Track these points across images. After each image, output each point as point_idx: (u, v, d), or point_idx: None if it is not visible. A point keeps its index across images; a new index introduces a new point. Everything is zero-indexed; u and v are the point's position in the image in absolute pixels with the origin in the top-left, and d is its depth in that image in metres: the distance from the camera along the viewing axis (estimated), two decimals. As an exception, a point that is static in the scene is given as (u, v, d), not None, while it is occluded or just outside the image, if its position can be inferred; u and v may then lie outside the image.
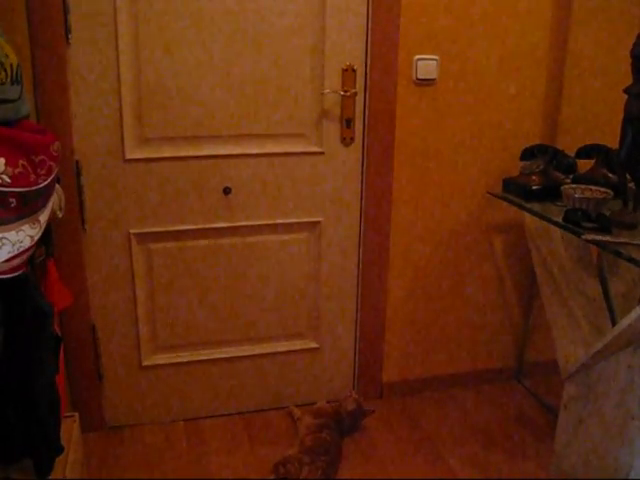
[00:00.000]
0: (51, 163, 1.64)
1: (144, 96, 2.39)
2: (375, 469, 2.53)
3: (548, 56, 2.69)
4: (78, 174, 2.40)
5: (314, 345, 2.88)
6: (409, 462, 2.58)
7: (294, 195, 2.64)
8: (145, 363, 2.71)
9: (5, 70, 1.54)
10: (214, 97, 2.45)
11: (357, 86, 2.55)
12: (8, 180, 1.48)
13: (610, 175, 2.40)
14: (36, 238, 1.61)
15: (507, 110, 2.72)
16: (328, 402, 2.82)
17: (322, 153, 2.61)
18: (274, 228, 2.66)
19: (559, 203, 2.35)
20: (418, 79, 2.59)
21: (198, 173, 2.52)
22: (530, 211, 2.41)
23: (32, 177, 1.56)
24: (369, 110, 2.58)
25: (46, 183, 1.63)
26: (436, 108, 2.65)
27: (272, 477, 2.38)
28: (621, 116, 2.06)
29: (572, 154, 2.53)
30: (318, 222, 2.70)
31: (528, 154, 2.63)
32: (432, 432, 2.76)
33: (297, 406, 2.86)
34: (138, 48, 2.34)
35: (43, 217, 1.65)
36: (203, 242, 2.61)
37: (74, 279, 2.47)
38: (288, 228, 2.68)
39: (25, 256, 1.59)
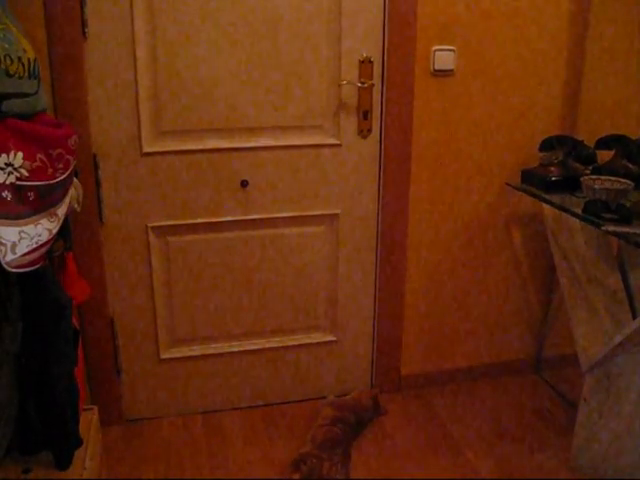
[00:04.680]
0: (69, 157, 1.65)
1: (161, 89, 2.39)
2: (393, 462, 2.53)
3: (567, 46, 2.66)
4: (96, 168, 2.40)
5: (332, 338, 2.88)
6: (427, 455, 2.57)
7: (311, 188, 2.63)
8: (163, 356, 2.72)
9: (23, 64, 1.55)
10: (231, 90, 2.44)
11: (374, 77, 2.54)
12: (26, 174, 1.48)
13: (630, 166, 2.37)
14: (54, 232, 1.62)
15: (526, 101, 2.69)
16: (357, 393, 2.81)
17: (339, 145, 2.60)
18: (291, 221, 2.66)
19: (579, 194, 2.33)
20: (436, 70, 2.57)
21: (215, 166, 2.52)
22: (549, 202, 2.39)
23: (50, 171, 1.57)
24: (386, 102, 2.56)
25: (64, 177, 1.63)
26: (454, 99, 2.63)
27: (297, 475, 2.37)
28: (642, 106, 2.03)
29: (592, 145, 2.50)
30: (336, 214, 2.69)
31: (547, 145, 2.60)
32: (450, 425, 2.75)
33: (317, 399, 2.86)
34: (155, 41, 2.34)
35: (61, 211, 1.66)
36: (221, 235, 2.61)
37: (92, 272, 2.48)
38: (306, 221, 2.68)
39: (43, 250, 1.59)
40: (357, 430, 2.65)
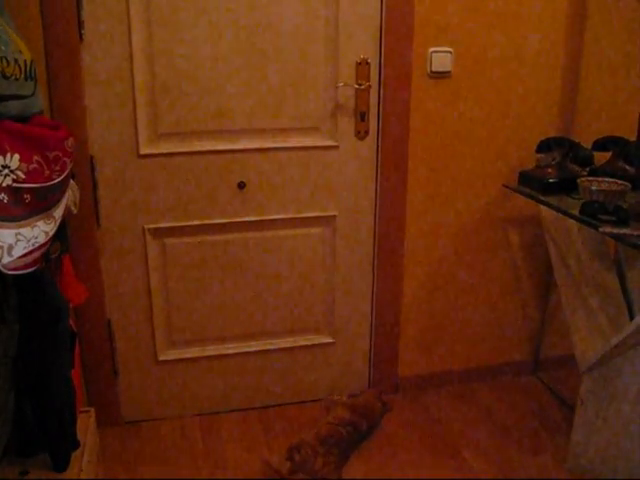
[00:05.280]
0: (65, 159, 1.64)
1: (158, 91, 2.39)
2: (391, 463, 2.53)
3: (564, 47, 2.67)
4: (92, 170, 2.40)
5: (329, 340, 2.87)
6: (425, 456, 2.57)
7: (309, 189, 2.63)
8: (160, 358, 2.72)
9: (19, 66, 1.55)
10: (228, 92, 2.44)
11: (371, 79, 2.54)
12: (22, 176, 1.48)
13: (627, 167, 2.37)
14: (51, 234, 1.62)
15: (523, 102, 2.70)
16: (372, 397, 2.79)
17: (336, 147, 2.60)
18: (289, 222, 2.66)
19: (576, 196, 2.33)
20: (433, 72, 2.57)
21: (212, 168, 2.52)
22: (546, 204, 2.39)
23: (46, 173, 1.56)
24: (383, 103, 2.56)
25: (60, 179, 1.63)
26: (451, 101, 2.63)
27: (288, 464, 2.37)
28: (638, 107, 2.03)
29: (589, 146, 2.50)
30: (333, 216, 2.69)
31: (544, 146, 2.60)
32: (448, 426, 2.75)
33: (315, 401, 2.86)
34: (152, 43, 2.33)
35: (58, 213, 1.66)
36: (218, 237, 2.61)
37: (89, 275, 2.48)
38: (303, 222, 2.67)
39: (40, 252, 1.59)
40: (365, 436, 2.64)
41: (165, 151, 2.46)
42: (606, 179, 2.21)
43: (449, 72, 2.59)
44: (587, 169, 2.48)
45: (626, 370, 2.19)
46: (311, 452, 2.35)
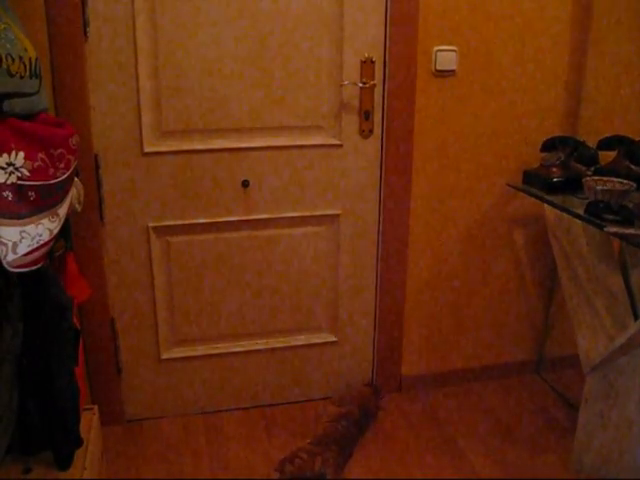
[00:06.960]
0: (70, 157, 1.64)
1: (162, 89, 2.39)
2: (393, 463, 2.52)
3: (569, 46, 2.66)
4: (97, 168, 2.40)
5: (333, 338, 2.87)
6: (427, 455, 2.57)
7: (313, 188, 2.63)
8: (164, 356, 2.72)
9: (24, 64, 1.55)
10: (232, 90, 2.44)
11: (376, 78, 2.54)
12: (27, 174, 1.48)
13: (633, 167, 2.36)
14: (55, 232, 1.62)
15: (527, 101, 2.69)
16: (363, 386, 2.82)
17: (341, 146, 2.60)
18: (293, 221, 2.66)
19: (580, 195, 2.33)
20: (437, 70, 2.56)
21: (217, 166, 2.52)
22: (551, 203, 2.38)
23: (51, 171, 1.57)
24: (388, 102, 2.56)
25: (65, 177, 1.63)
26: (455, 99, 2.63)
27: (278, 476, 2.36)
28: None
29: (594, 146, 2.49)
30: (337, 215, 2.69)
31: (549, 146, 2.60)
32: (451, 426, 2.75)
33: (318, 399, 2.86)
34: (156, 41, 2.33)
35: (62, 210, 1.66)
36: (221, 235, 2.61)
37: (93, 272, 2.48)
38: (307, 221, 2.67)
39: (44, 250, 1.59)
40: (363, 424, 2.65)
41: (169, 149, 2.46)
42: (611, 178, 2.20)
43: (453, 71, 2.59)
44: (592, 168, 2.47)
45: (630, 370, 2.19)
46: (307, 457, 2.35)
